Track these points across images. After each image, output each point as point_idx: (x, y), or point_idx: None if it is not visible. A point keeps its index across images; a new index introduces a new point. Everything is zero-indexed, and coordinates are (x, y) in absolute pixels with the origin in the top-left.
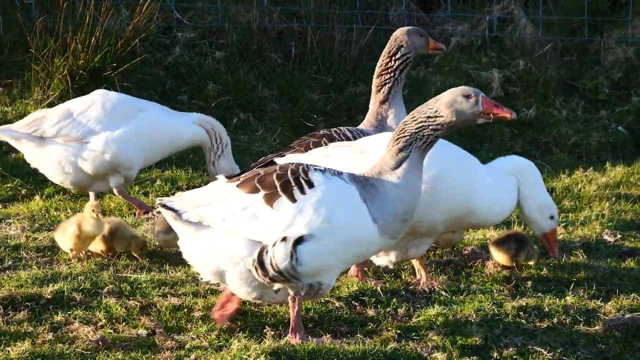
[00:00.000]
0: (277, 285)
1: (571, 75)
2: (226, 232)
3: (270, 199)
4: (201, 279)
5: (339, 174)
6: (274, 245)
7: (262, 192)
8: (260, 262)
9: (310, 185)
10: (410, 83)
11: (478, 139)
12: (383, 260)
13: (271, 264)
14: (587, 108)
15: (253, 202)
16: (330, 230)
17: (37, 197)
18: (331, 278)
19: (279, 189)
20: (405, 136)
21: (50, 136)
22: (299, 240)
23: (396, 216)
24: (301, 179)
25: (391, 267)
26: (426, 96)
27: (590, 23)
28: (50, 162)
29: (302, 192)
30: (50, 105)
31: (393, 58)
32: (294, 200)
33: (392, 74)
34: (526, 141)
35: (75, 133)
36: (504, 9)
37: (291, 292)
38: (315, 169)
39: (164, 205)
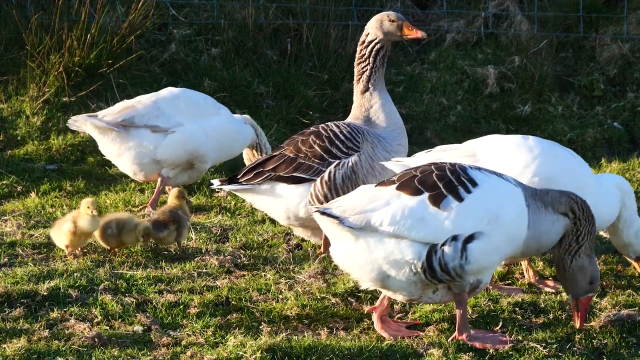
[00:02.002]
0: (439, 286)
1: (567, 72)
2: (393, 235)
3: (436, 199)
4: (359, 285)
5: (497, 174)
6: (443, 244)
7: (426, 194)
8: (429, 263)
9: (474, 183)
10: (406, 79)
11: (473, 135)
12: None
13: (439, 264)
14: (582, 104)
15: (419, 203)
16: (499, 228)
17: (32, 194)
18: (489, 275)
19: (443, 189)
20: None
21: (139, 126)
22: (469, 239)
23: (536, 242)
24: (463, 178)
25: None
26: (421, 92)
27: (585, 19)
28: (131, 151)
29: (467, 191)
30: (46, 102)
31: (363, 46)
32: (460, 199)
33: (366, 62)
34: None
35: (163, 124)
36: (500, 6)
37: (456, 291)
38: (471, 167)
39: (322, 213)
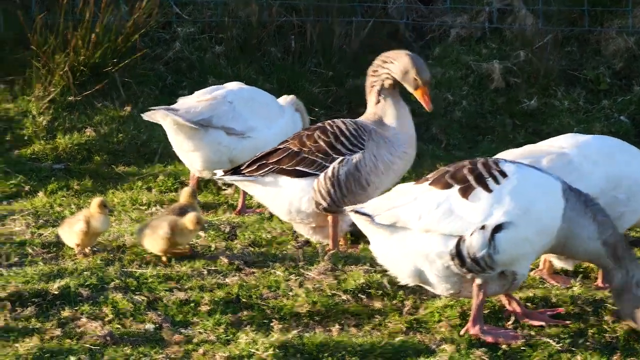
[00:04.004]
0: (475, 278)
1: (572, 66)
2: (422, 230)
3: (465, 191)
4: (399, 281)
5: (536, 168)
6: (472, 234)
7: (456, 187)
8: (458, 252)
9: (504, 175)
10: None
11: (479, 130)
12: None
13: (468, 253)
14: (588, 98)
15: (447, 197)
16: (528, 218)
17: (40, 194)
18: (525, 267)
19: (472, 181)
20: None
21: (216, 127)
22: (497, 228)
23: (567, 240)
24: (493, 171)
25: (571, 267)
26: None
27: (590, 13)
28: (206, 150)
29: (497, 182)
30: (52, 102)
31: (381, 67)
32: (489, 190)
33: (376, 79)
34: (528, 132)
35: (238, 127)
36: (504, 0)
37: (478, 281)
38: (506, 161)
39: (356, 212)
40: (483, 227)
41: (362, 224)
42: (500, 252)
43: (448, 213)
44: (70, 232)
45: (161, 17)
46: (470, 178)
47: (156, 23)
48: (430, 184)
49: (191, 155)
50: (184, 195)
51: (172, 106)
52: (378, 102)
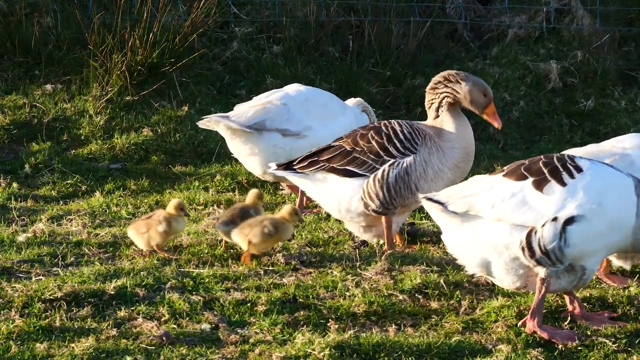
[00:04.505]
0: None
1: (629, 66)
2: (495, 219)
3: (540, 184)
4: (466, 271)
5: (610, 165)
6: (543, 225)
7: (531, 179)
8: (529, 243)
9: (579, 170)
10: None
11: (537, 130)
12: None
13: (539, 245)
14: None
15: (522, 188)
16: (600, 212)
17: (97, 193)
18: (595, 263)
19: (547, 174)
20: None
21: (270, 129)
22: (569, 221)
23: None
24: (569, 165)
25: (628, 267)
26: None
27: None
28: (263, 153)
29: (571, 176)
30: (109, 101)
31: (443, 86)
32: (563, 184)
33: (435, 96)
34: (585, 132)
35: (293, 127)
36: (561, 0)
37: (542, 275)
38: (581, 158)
39: (429, 199)
40: (555, 219)
41: (435, 212)
42: (571, 246)
43: (522, 203)
44: (153, 233)
45: (219, 16)
46: (546, 171)
47: (214, 23)
48: (504, 175)
49: (249, 160)
50: (250, 196)
51: (227, 113)
52: (437, 116)
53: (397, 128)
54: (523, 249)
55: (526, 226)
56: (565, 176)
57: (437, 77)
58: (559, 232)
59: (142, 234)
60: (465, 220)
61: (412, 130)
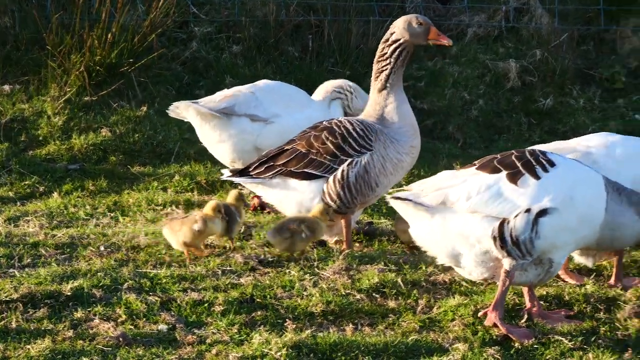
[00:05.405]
0: (506, 264)
1: (588, 65)
2: (470, 210)
3: (514, 177)
4: (437, 262)
5: (578, 161)
6: (516, 216)
7: (504, 172)
8: (501, 233)
9: (552, 164)
10: (427, 74)
11: (496, 129)
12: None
13: (511, 235)
14: (604, 97)
15: (497, 180)
16: (572, 206)
17: (55, 194)
18: (562, 257)
19: (521, 168)
20: None
21: (239, 114)
22: (542, 213)
23: (611, 232)
24: (542, 159)
25: (590, 265)
26: (443, 87)
27: (606, 12)
28: (232, 139)
29: (545, 170)
30: (68, 102)
31: (386, 45)
32: (537, 177)
33: (387, 61)
34: (544, 131)
35: (262, 113)
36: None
37: (506, 267)
38: (552, 153)
39: (395, 197)
40: (528, 211)
41: (403, 208)
42: (541, 238)
43: (497, 195)
44: (187, 231)
45: (178, 16)
46: (519, 164)
47: (173, 23)
48: (477, 169)
49: (219, 147)
50: (231, 196)
51: (196, 100)
52: (383, 88)
53: (350, 127)
54: (495, 239)
55: (499, 218)
56: (539, 170)
57: (380, 46)
58: (531, 224)
59: (179, 230)
60: (437, 212)
61: (364, 127)
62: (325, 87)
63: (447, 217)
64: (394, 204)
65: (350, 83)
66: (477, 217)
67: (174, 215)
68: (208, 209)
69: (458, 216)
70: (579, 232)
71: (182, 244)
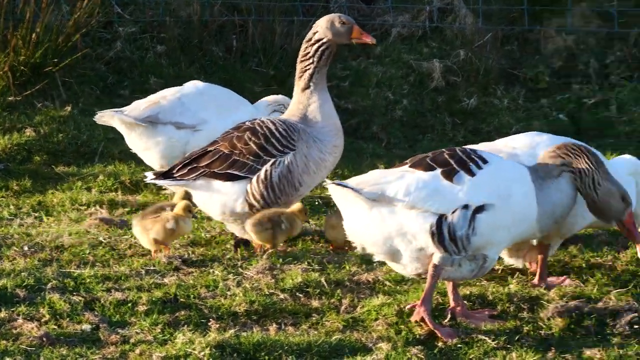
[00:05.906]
0: (435, 258)
1: (512, 65)
2: (408, 206)
3: (449, 174)
4: (373, 258)
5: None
6: (454, 212)
7: (439, 169)
8: (439, 229)
9: (484, 161)
10: (352, 74)
11: (420, 129)
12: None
13: (448, 231)
14: (528, 97)
15: (433, 177)
16: (509, 203)
17: None
18: (496, 253)
19: (454, 165)
20: None
21: (164, 122)
22: (479, 209)
23: (552, 216)
24: (474, 157)
25: (520, 265)
26: (367, 87)
27: (529, 12)
28: (159, 146)
29: (479, 167)
30: None
31: (309, 44)
32: (472, 174)
33: (310, 60)
34: (468, 131)
35: (187, 120)
36: (444, 0)
37: (435, 261)
38: (482, 151)
39: (338, 184)
40: (466, 207)
41: (342, 197)
42: (478, 234)
43: (435, 191)
44: (159, 229)
45: (102, 16)
46: (452, 162)
47: (97, 23)
48: (410, 167)
49: (147, 154)
50: (179, 207)
51: (122, 108)
52: (307, 87)
53: (272, 127)
54: (432, 234)
55: (437, 214)
56: (472, 167)
57: (303, 46)
58: (469, 219)
59: (148, 228)
60: (375, 206)
61: (287, 127)
62: (266, 101)
63: (384, 211)
64: (332, 190)
65: (289, 99)
66: (414, 213)
67: (145, 213)
68: (179, 209)
69: (396, 210)
70: (516, 229)
71: (153, 240)
